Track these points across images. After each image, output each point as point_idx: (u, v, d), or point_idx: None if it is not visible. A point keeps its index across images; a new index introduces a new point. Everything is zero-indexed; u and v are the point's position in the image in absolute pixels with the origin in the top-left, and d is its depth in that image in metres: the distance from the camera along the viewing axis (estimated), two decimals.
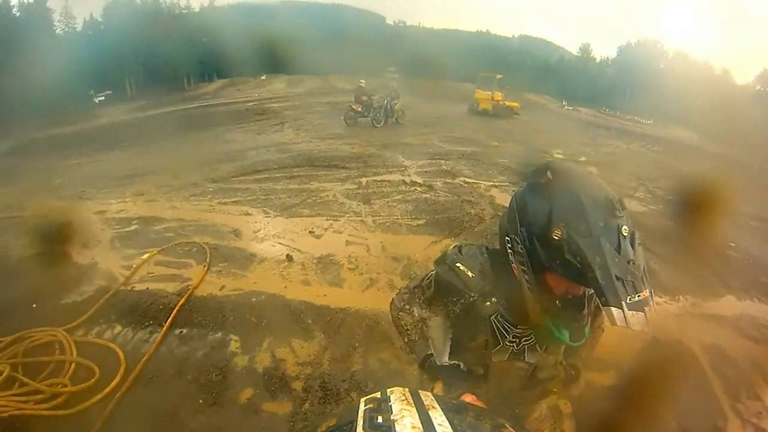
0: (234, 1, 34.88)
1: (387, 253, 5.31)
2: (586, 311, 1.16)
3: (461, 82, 28.66)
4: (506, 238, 1.18)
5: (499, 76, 20.74)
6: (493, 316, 1.25)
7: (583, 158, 12.05)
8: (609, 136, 18.72)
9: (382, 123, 14.03)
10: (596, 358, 3.30)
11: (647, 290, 1.00)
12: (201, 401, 2.96)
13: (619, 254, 0.98)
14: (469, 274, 1.27)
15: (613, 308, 0.96)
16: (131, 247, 4.98)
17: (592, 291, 1.04)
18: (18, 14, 19.93)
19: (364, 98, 13.90)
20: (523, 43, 50.32)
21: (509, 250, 1.17)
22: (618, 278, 0.96)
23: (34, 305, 3.83)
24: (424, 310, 1.50)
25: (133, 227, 5.48)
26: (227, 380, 3.14)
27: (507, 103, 20.31)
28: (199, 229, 5.55)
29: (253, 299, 4.16)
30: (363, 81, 14.25)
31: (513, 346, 1.28)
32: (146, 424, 2.77)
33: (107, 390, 2.98)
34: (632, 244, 1.02)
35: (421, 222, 6.29)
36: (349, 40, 32.66)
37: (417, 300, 1.49)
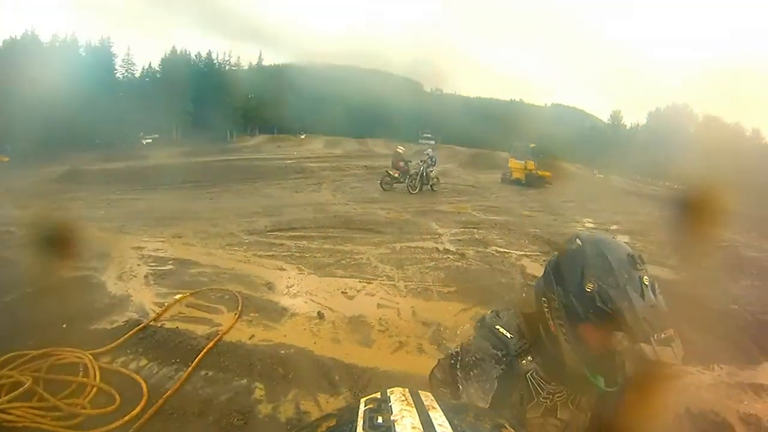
0: (280, 62, 37.78)
1: (417, 318, 5.37)
2: (618, 360, 1.30)
3: (495, 150, 29.42)
4: (542, 299, 1.35)
5: (532, 145, 21.32)
6: (529, 373, 1.37)
7: (614, 227, 12.11)
8: (640, 203, 18.62)
9: (418, 189, 14.35)
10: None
11: (671, 330, 1.16)
12: None
13: (644, 300, 1.16)
14: (507, 334, 1.41)
15: (643, 345, 1.12)
16: (164, 286, 5.21)
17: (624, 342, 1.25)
18: (84, 54, 22.19)
19: (402, 164, 14.40)
20: (556, 112, 51.45)
21: (545, 309, 1.34)
22: (645, 319, 1.13)
23: (64, 325, 4.04)
24: (463, 379, 1.55)
25: (168, 267, 5.75)
26: (248, 426, 3.18)
27: (540, 173, 20.70)
28: (233, 277, 5.76)
29: (282, 351, 4.24)
30: (401, 147, 14.87)
31: (546, 402, 1.38)
32: None
33: (126, 419, 3.07)
34: (653, 292, 1.19)
35: (452, 289, 6.35)
36: (387, 106, 34.32)
37: (456, 367, 1.55)
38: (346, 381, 3.90)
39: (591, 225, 12.14)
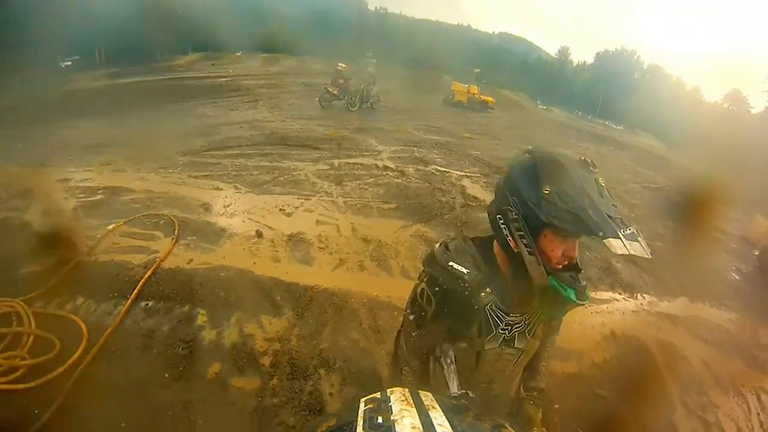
0: None
1: (357, 235, 5.25)
2: (583, 273, 1.21)
3: (439, 74, 28.65)
4: (498, 216, 1.24)
5: (477, 71, 20.97)
6: (488, 306, 1.25)
7: None
8: (580, 137, 19.16)
9: (357, 107, 13.83)
10: (559, 348, 3.43)
11: (634, 226, 1.11)
12: (167, 375, 2.83)
13: (602, 197, 1.12)
14: (464, 270, 1.25)
15: (611, 239, 1.05)
16: (96, 217, 4.69)
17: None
18: None
19: (341, 81, 13.63)
20: (503, 41, 50.72)
21: (503, 227, 1.22)
22: (609, 216, 1.08)
23: None
24: (433, 341, 1.41)
25: (98, 197, 5.17)
26: (194, 355, 3.03)
27: (482, 98, 20.54)
28: (168, 201, 5.30)
29: (222, 274, 4.02)
30: (342, 64, 13.95)
31: (505, 333, 1.30)
32: (111, 399, 2.61)
33: (69, 363, 2.80)
34: (609, 193, 1.16)
35: (392, 206, 6.24)
36: (329, 23, 31.85)
37: (423, 330, 1.37)
38: (288, 301, 3.78)
39: None
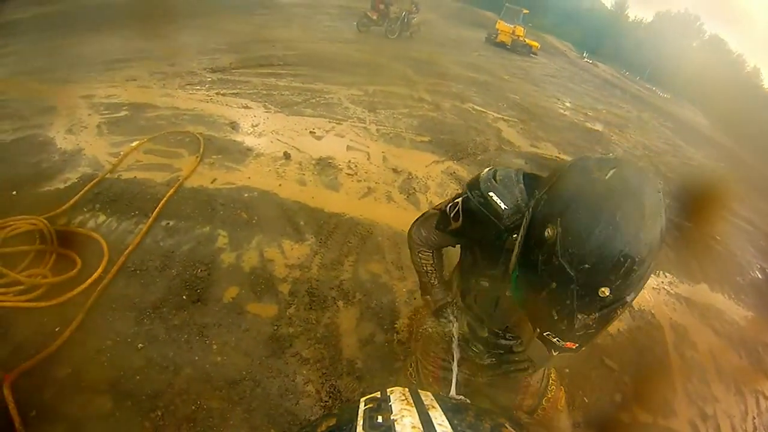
0: None
1: (388, 164, 4.93)
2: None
3: (482, 8, 26.52)
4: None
5: (525, 11, 19.16)
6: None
7: (591, 113, 11.32)
8: (623, 98, 17.57)
9: (396, 35, 12.97)
10: None
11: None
12: (185, 297, 2.69)
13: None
14: (502, 206, 1.12)
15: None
16: (120, 134, 4.48)
17: None
18: None
19: (382, 7, 12.71)
20: None
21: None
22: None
23: (14, 192, 3.41)
24: (446, 244, 1.44)
25: (122, 113, 4.94)
26: (212, 277, 2.87)
27: (527, 41, 18.93)
28: (194, 119, 5.03)
29: (246, 194, 3.81)
30: None
31: None
32: (129, 318, 2.50)
33: (89, 281, 2.68)
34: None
35: (425, 139, 5.87)
36: None
37: (439, 232, 1.37)
38: (312, 226, 3.56)
39: (570, 106, 11.22)
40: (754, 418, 3.22)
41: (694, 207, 6.71)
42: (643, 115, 15.33)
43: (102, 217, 3.30)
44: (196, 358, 2.34)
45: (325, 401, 2.25)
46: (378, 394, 0.79)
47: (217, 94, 5.85)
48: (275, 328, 2.59)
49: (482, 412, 0.81)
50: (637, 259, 0.80)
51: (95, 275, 2.75)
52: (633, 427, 2.75)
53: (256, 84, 6.46)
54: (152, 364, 2.28)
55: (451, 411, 0.73)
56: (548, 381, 1.58)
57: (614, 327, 3.44)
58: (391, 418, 0.68)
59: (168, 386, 2.19)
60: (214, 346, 2.42)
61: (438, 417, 0.69)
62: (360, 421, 0.68)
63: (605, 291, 0.83)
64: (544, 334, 0.93)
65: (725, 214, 7.42)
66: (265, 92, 6.20)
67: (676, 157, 10.43)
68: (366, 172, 4.63)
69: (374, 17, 12.64)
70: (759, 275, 5.78)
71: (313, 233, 3.48)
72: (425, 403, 0.74)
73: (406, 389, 0.80)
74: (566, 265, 0.83)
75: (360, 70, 8.31)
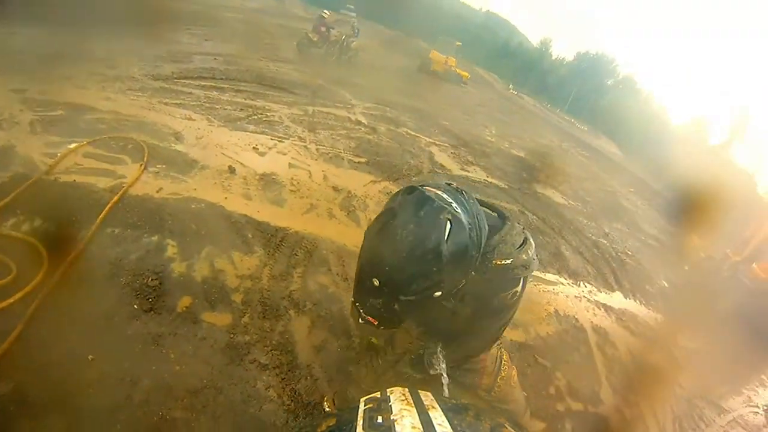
0: None
1: (328, 183, 5.03)
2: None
3: (416, 38, 27.56)
4: None
5: (458, 44, 20.22)
6: None
7: (520, 142, 12.22)
8: (545, 128, 19.16)
9: (335, 58, 13.08)
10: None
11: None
12: (136, 306, 2.56)
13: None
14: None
15: None
16: (56, 135, 4.11)
17: None
18: None
19: (323, 29, 12.72)
20: (489, 20, 49.40)
21: None
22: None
23: None
24: None
25: (58, 112, 4.52)
26: (164, 286, 2.76)
27: (459, 71, 19.94)
28: (137, 125, 4.76)
29: (193, 206, 3.70)
30: (327, 12, 12.99)
31: None
32: (76, 329, 2.32)
33: (27, 289, 2.44)
34: None
35: (362, 160, 6.03)
36: None
37: None
38: (259, 239, 3.56)
39: (495, 132, 12.03)
40: (672, 407, 3.65)
41: (608, 226, 7.63)
42: (563, 144, 16.83)
43: (38, 221, 3.01)
44: (154, 368, 2.25)
45: (288, 404, 2.28)
46: (378, 394, 0.78)
47: (159, 102, 5.57)
48: (231, 336, 2.57)
49: (482, 412, 0.83)
50: (387, 268, 1.05)
51: (34, 282, 2.50)
52: (567, 414, 3.04)
53: (198, 96, 6.24)
54: (106, 377, 2.15)
55: (451, 411, 0.72)
56: (501, 362, 1.81)
57: (543, 329, 3.86)
58: (391, 418, 0.67)
59: (126, 398, 2.08)
60: (172, 356, 2.34)
61: (438, 417, 0.69)
62: (360, 421, 0.68)
63: (375, 281, 1.07)
64: (354, 302, 1.20)
65: (636, 232, 8.47)
66: (208, 105, 6.01)
67: (593, 183, 11.63)
68: (308, 189, 4.69)
69: (315, 39, 12.61)
70: (665, 284, 6.64)
71: (262, 246, 3.48)
72: (425, 403, 0.73)
73: (406, 389, 0.79)
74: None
75: (300, 90, 8.30)
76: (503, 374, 1.79)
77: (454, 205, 1.08)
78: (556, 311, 4.23)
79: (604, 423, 3.18)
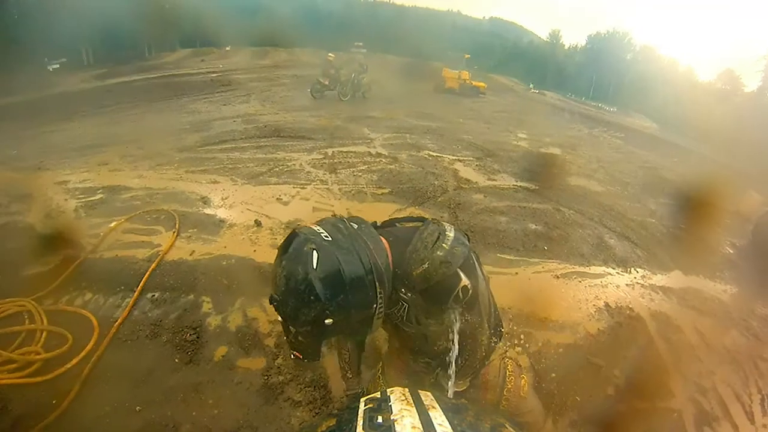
0: None
1: None
2: None
3: (429, 61, 28.44)
4: None
5: (467, 56, 20.72)
6: None
7: (547, 139, 12.21)
8: (573, 120, 19.01)
9: (349, 97, 13.82)
10: (553, 320, 3.49)
11: None
12: (177, 360, 2.92)
13: None
14: None
15: None
16: (97, 216, 4.74)
17: None
18: None
19: (332, 71, 13.57)
20: (494, 26, 50.50)
21: None
22: None
23: None
24: None
25: (98, 196, 5.21)
26: (201, 339, 3.11)
27: (474, 83, 20.33)
28: (167, 197, 5.34)
29: (224, 262, 4.09)
30: (332, 54, 13.90)
31: None
32: (124, 385, 2.70)
33: (82, 354, 2.88)
34: None
35: (385, 191, 6.29)
36: (317, 14, 31.55)
37: None
38: None
39: (523, 136, 12.09)
40: (756, 380, 3.44)
41: (654, 203, 7.36)
42: (593, 131, 16.54)
43: (88, 295, 3.52)
44: (194, 413, 2.55)
45: None
46: (378, 395, 0.81)
47: (185, 171, 6.20)
48: (266, 378, 2.84)
49: (482, 412, 0.85)
50: (276, 305, 1.23)
51: (87, 348, 2.94)
52: (632, 414, 2.90)
53: (221, 159, 6.86)
54: (152, 424, 2.47)
55: (451, 411, 0.74)
56: (505, 373, 1.80)
57: (593, 327, 3.74)
58: (391, 418, 0.69)
59: None
60: (210, 401, 2.64)
61: (438, 417, 0.70)
62: (360, 422, 0.70)
63: (280, 318, 1.24)
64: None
65: (685, 203, 7.89)
66: (230, 166, 6.59)
67: (630, 163, 11.31)
68: None
69: (326, 82, 13.44)
70: (729, 250, 6.32)
71: None
72: (425, 403, 0.76)
73: (406, 389, 0.82)
74: None
75: (319, 135, 8.84)
76: (509, 386, 1.76)
77: (324, 234, 1.20)
78: (607, 305, 4.11)
79: (678, 417, 2.99)
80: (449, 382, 1.51)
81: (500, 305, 3.66)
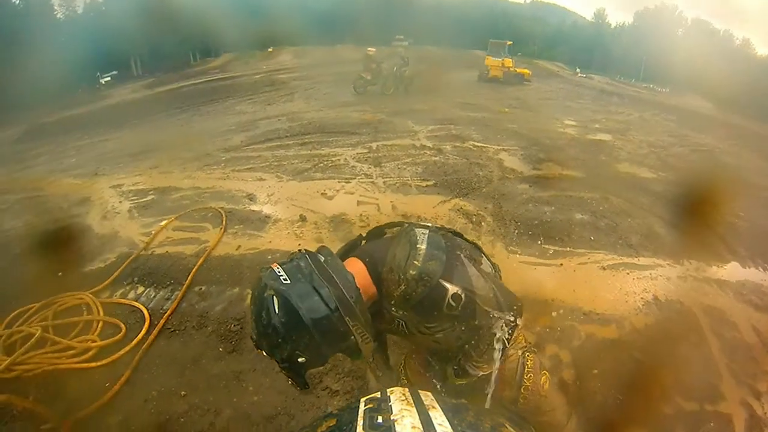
0: None
1: (397, 212, 5.33)
2: None
3: (471, 50, 28.05)
4: None
5: (509, 43, 20.33)
6: None
7: (596, 125, 11.76)
8: (622, 104, 18.09)
9: (392, 91, 13.88)
10: (598, 314, 3.45)
11: None
12: (221, 349, 3.09)
13: None
14: None
15: None
16: (149, 216, 5.11)
17: None
18: (17, 2, 19.82)
19: (374, 66, 13.73)
20: (535, 9, 49.10)
21: None
22: None
23: (60, 274, 3.98)
24: None
25: (149, 197, 5.60)
26: (245, 330, 3.25)
27: (518, 70, 19.93)
28: (215, 195, 5.64)
29: (269, 257, 4.24)
30: (372, 49, 14.05)
31: None
32: (171, 371, 2.90)
33: (133, 343, 3.15)
34: None
35: (430, 183, 6.29)
36: (357, 10, 32.01)
37: None
38: None
39: (570, 123, 11.72)
40: None
41: (707, 189, 6.83)
42: (644, 114, 15.62)
43: (141, 288, 3.83)
44: (235, 399, 2.69)
45: None
46: (378, 395, 0.83)
47: (232, 171, 6.51)
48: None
49: (482, 412, 0.87)
50: (254, 343, 1.29)
51: (139, 337, 3.22)
52: (678, 417, 2.74)
53: (267, 157, 7.13)
54: (195, 409, 2.64)
55: (451, 411, 0.75)
56: (523, 370, 1.72)
57: (640, 321, 3.57)
58: (391, 418, 0.71)
59: (210, 426, 2.54)
60: (251, 388, 2.76)
61: (438, 417, 0.71)
62: (360, 422, 0.71)
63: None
64: None
65: (742, 188, 7.43)
66: (276, 163, 6.83)
67: (683, 147, 10.63)
68: (377, 222, 5.02)
69: (368, 77, 13.64)
70: None
71: None
72: (425, 403, 0.77)
73: (406, 389, 0.83)
74: None
75: (362, 130, 9.00)
76: (527, 383, 1.71)
77: (283, 277, 1.23)
78: (656, 298, 3.88)
79: (728, 422, 2.77)
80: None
81: (543, 297, 3.67)
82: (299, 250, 1.36)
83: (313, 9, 28.93)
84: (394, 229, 1.61)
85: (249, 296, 3.59)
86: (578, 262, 4.34)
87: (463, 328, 1.47)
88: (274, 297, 1.20)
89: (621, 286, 4.02)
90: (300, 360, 1.26)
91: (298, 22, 26.21)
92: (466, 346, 1.51)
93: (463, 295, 1.34)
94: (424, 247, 1.36)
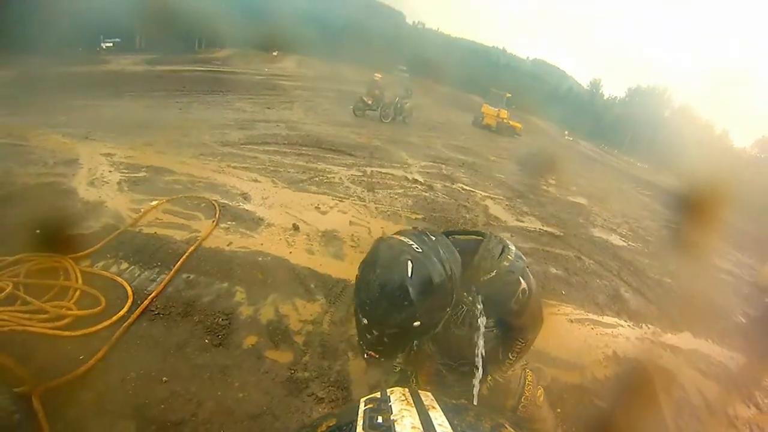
0: None
1: None
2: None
3: (468, 93, 29.08)
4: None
5: (508, 95, 21.32)
6: None
7: (573, 188, 12.48)
8: (604, 172, 19.33)
9: (390, 119, 14.24)
10: (564, 360, 3.83)
11: None
12: (207, 341, 3.09)
13: None
14: None
15: None
16: (139, 193, 5.06)
17: None
18: None
19: (377, 92, 14.06)
20: (536, 67, 51.61)
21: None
22: None
23: (37, 231, 3.82)
24: None
25: (141, 174, 5.55)
26: (233, 325, 3.29)
27: (511, 123, 20.97)
28: (209, 186, 5.66)
29: (260, 258, 4.30)
30: (379, 75, 14.43)
31: None
32: (153, 355, 2.88)
33: (114, 318, 3.08)
34: None
35: (419, 216, 6.53)
36: (366, 32, 32.87)
37: None
38: (321, 289, 4.04)
39: (553, 182, 12.42)
40: None
41: (673, 263, 7.56)
42: (622, 186, 16.70)
43: (125, 265, 3.77)
44: (219, 393, 2.70)
45: None
46: (378, 395, 0.83)
47: (228, 166, 6.54)
48: (292, 372, 2.98)
49: (482, 412, 0.88)
50: (366, 308, 1.39)
51: (120, 313, 3.14)
52: None
53: (263, 160, 7.20)
54: (176, 396, 2.63)
55: (451, 411, 0.77)
56: (525, 382, 2.04)
57: (601, 372, 3.96)
58: (391, 418, 0.72)
59: (192, 416, 2.53)
60: (236, 384, 2.78)
61: (438, 417, 0.73)
62: (360, 422, 0.72)
63: (364, 320, 1.40)
64: (359, 341, 1.51)
65: (705, 268, 8.40)
66: (272, 168, 6.91)
67: (654, 221, 11.67)
68: (368, 245, 5.15)
69: (369, 102, 13.96)
70: (743, 319, 6.46)
71: (323, 295, 3.95)
72: (425, 403, 0.78)
73: (406, 389, 0.84)
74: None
75: (358, 152, 9.21)
76: (527, 394, 2.01)
77: (415, 246, 1.40)
78: (615, 354, 4.32)
79: None
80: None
81: None
82: (413, 228, 1.57)
83: (325, 22, 29.57)
84: (463, 236, 1.77)
85: (237, 293, 3.66)
86: (549, 312, 4.64)
87: (498, 333, 1.77)
88: (410, 262, 1.34)
89: (585, 338, 4.46)
90: (415, 324, 1.37)
91: (307, 32, 26.68)
92: (500, 348, 1.78)
93: (528, 292, 1.62)
94: (513, 249, 1.65)
